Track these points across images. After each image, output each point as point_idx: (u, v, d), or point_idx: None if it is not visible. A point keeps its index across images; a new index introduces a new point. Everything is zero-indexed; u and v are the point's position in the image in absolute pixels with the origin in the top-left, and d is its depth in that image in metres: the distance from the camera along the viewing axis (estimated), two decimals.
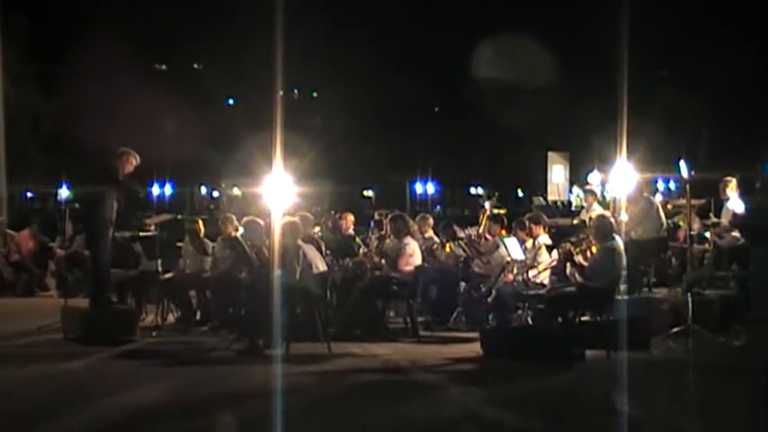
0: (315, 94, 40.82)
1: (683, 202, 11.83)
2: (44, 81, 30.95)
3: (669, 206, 13.41)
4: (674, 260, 13.19)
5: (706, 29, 26.15)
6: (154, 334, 10.52)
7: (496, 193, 18.14)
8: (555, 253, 11.01)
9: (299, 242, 9.99)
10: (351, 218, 13.28)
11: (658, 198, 13.12)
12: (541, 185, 27.66)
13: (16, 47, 28.66)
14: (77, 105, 29.47)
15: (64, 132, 30.54)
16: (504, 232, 11.96)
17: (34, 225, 16.80)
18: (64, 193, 26.89)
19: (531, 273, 10.78)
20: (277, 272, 9.44)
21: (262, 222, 10.80)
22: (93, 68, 29.29)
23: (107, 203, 10.31)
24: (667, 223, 12.12)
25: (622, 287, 9.72)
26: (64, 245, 16.02)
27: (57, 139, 30.83)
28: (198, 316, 11.50)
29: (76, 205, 15.93)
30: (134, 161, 10.63)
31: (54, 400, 7.20)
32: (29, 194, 37.22)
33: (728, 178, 11.74)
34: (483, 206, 14.57)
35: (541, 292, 10.22)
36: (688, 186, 10.83)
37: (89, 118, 28.22)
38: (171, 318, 11.47)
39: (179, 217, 16.31)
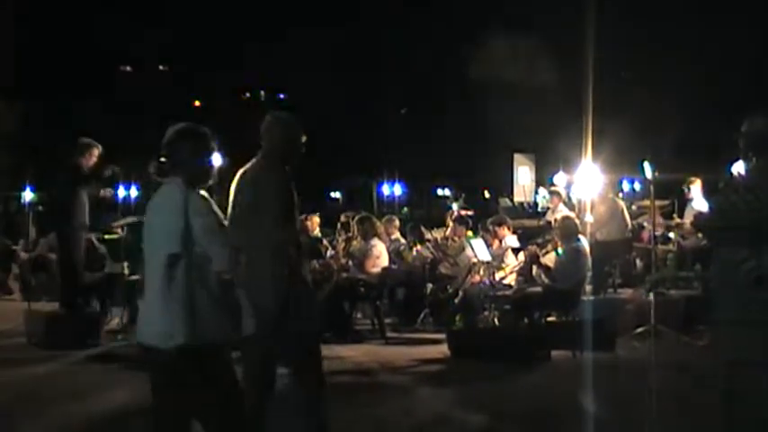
0: (281, 96, 40.69)
1: (647, 203, 11.95)
2: (5, 82, 30.58)
3: (634, 207, 13.55)
4: (638, 261, 13.32)
5: (670, 30, 26.41)
6: (119, 337, 10.44)
7: (463, 195, 18.19)
8: (521, 254, 11.08)
9: None
10: (316, 220, 13.27)
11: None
12: (508, 187, 27.73)
13: None
14: (41, 107, 29.19)
15: (27, 134, 30.22)
16: (470, 233, 12.02)
17: None
18: (27, 195, 26.58)
19: (498, 274, 10.84)
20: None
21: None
22: (58, 69, 29.05)
23: (78, 205, 10.22)
24: (632, 224, 12.23)
25: (588, 288, 9.81)
26: (27, 248, 15.85)
27: (19, 140, 30.47)
28: None
29: (40, 208, 15.78)
30: (96, 152, 10.50)
31: (17, 405, 7.13)
32: None
33: (693, 179, 11.88)
34: (450, 208, 14.64)
35: (508, 293, 10.27)
36: (652, 187, 10.95)
37: (53, 119, 27.96)
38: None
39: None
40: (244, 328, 4.74)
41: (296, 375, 5.19)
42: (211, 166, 4.25)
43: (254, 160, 5.21)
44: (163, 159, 4.18)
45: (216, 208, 4.09)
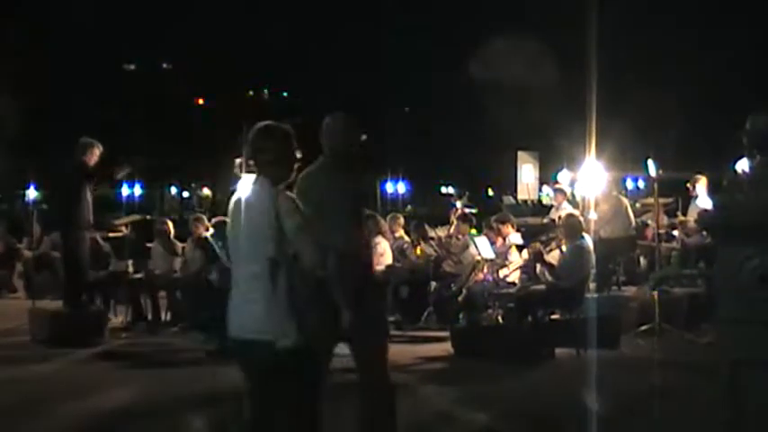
0: (285, 94, 40.72)
1: (651, 200, 11.93)
2: (8, 81, 30.62)
3: (637, 205, 13.53)
4: (642, 259, 13.30)
5: (673, 29, 26.39)
6: (123, 335, 10.46)
7: (467, 193, 18.19)
8: (525, 252, 11.07)
9: None
10: None
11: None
12: (511, 185, 27.74)
13: None
14: (44, 105, 29.22)
15: (30, 132, 30.25)
16: (473, 231, 12.02)
17: (1, 227, 16.62)
18: (31, 194, 26.63)
19: (502, 272, 10.83)
20: None
21: None
22: (61, 68, 29.08)
23: (83, 204, 10.25)
24: (636, 222, 12.22)
25: (592, 285, 9.79)
26: (31, 246, 15.86)
27: (23, 139, 30.51)
28: (168, 317, 11.45)
29: (44, 206, 15.80)
30: (98, 151, 10.53)
31: (22, 403, 7.13)
32: None
33: (697, 176, 11.86)
34: (454, 206, 14.63)
35: (512, 290, 10.27)
36: (656, 185, 10.93)
37: (56, 118, 28.00)
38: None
39: (148, 217, 16.22)
40: (343, 322, 4.76)
41: (364, 373, 5.28)
42: (294, 165, 4.32)
43: (318, 160, 5.26)
44: (248, 158, 4.24)
45: (302, 206, 4.16)
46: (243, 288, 4.20)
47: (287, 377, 4.11)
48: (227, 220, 4.38)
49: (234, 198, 4.30)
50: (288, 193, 4.17)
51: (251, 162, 4.23)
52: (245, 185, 4.24)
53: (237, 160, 4.30)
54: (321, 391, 4.30)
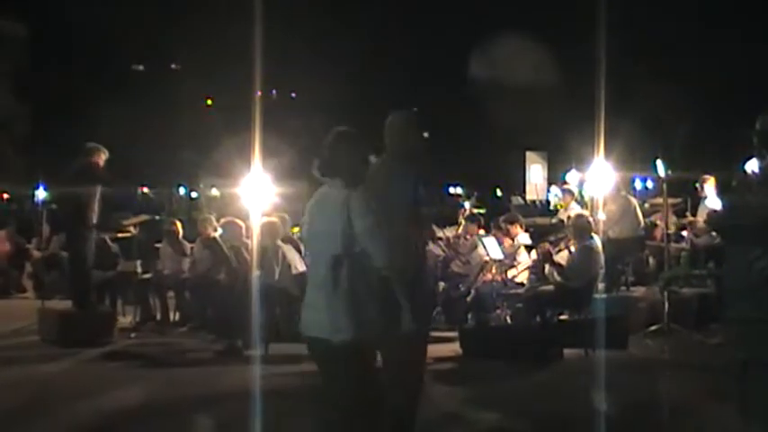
0: (293, 95, 40.72)
1: (659, 200, 11.91)
2: (19, 81, 30.72)
3: (646, 205, 13.50)
4: (651, 259, 13.27)
5: (682, 28, 26.31)
6: (132, 335, 10.48)
7: (476, 193, 18.17)
8: (534, 252, 11.06)
9: (278, 243, 9.97)
10: None
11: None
12: (519, 185, 27.72)
13: None
14: (53, 106, 29.30)
15: (40, 133, 30.35)
16: (482, 231, 12.01)
17: (10, 227, 16.68)
18: (41, 194, 26.69)
19: (510, 272, 10.82)
20: (256, 272, 9.43)
21: (240, 223, 10.78)
22: (69, 69, 29.14)
23: (90, 204, 10.28)
24: (644, 222, 12.19)
25: (600, 286, 9.77)
26: (41, 246, 15.91)
27: (32, 140, 30.60)
28: (176, 317, 11.47)
29: (53, 206, 15.84)
30: (104, 156, 10.59)
31: (31, 402, 7.15)
32: (5, 196, 36.92)
33: (707, 176, 11.82)
34: (462, 206, 14.63)
35: (520, 291, 10.26)
36: (665, 185, 10.91)
37: (65, 119, 28.06)
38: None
39: (157, 218, 16.24)
40: (403, 323, 4.84)
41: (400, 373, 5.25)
42: (366, 168, 4.51)
43: (381, 158, 5.30)
44: (323, 161, 4.43)
45: (375, 206, 4.32)
46: (314, 286, 4.41)
47: (346, 371, 4.33)
48: (307, 219, 4.55)
49: (311, 201, 4.52)
50: (361, 194, 4.31)
51: (326, 165, 4.42)
52: (322, 189, 4.46)
53: (316, 162, 4.40)
54: (380, 384, 4.52)
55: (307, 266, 4.58)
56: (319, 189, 4.46)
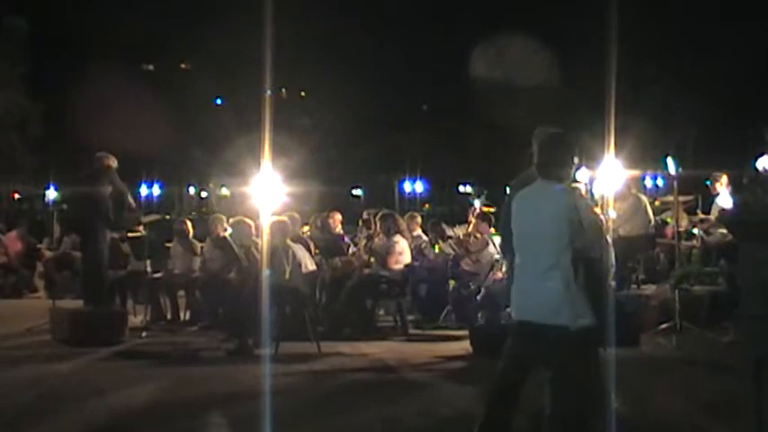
0: (303, 94, 40.75)
1: (670, 198, 11.86)
2: (31, 82, 30.85)
3: (657, 203, 13.45)
4: (662, 257, 13.22)
5: (694, 26, 26.21)
6: (143, 334, 10.50)
7: (485, 191, 18.09)
8: None
9: (288, 242, 9.98)
10: (338, 217, 13.27)
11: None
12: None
13: (6, 48, 28.60)
14: (65, 106, 29.38)
15: (51, 133, 30.46)
16: (492, 230, 11.97)
17: (22, 226, 16.75)
18: (51, 194, 26.78)
19: None
20: (266, 271, 9.43)
21: (250, 222, 10.79)
22: (80, 69, 29.19)
23: (104, 204, 10.36)
24: (655, 220, 12.14)
25: (611, 284, 9.72)
26: (52, 246, 15.98)
27: (44, 140, 30.73)
28: (187, 316, 11.49)
29: (64, 206, 15.92)
30: (114, 163, 10.78)
31: (43, 401, 7.17)
32: (16, 195, 37.11)
33: (719, 174, 11.76)
34: (472, 204, 14.58)
35: None
36: (675, 183, 10.86)
37: (77, 119, 28.14)
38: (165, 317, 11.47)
39: (167, 217, 16.29)
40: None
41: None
42: (573, 168, 4.86)
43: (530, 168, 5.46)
44: (538, 161, 4.80)
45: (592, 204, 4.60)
46: (534, 276, 4.71)
47: (578, 354, 4.67)
48: (516, 213, 4.87)
49: (519, 196, 4.88)
50: (582, 192, 4.52)
51: (543, 165, 4.77)
52: (535, 186, 4.80)
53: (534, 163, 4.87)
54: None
55: (516, 256, 4.96)
56: (530, 186, 4.80)
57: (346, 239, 12.94)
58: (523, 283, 4.83)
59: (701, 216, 12.00)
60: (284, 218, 10.40)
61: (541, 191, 4.74)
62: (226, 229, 11.33)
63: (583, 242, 4.58)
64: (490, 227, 12.12)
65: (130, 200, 11.05)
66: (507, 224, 5.69)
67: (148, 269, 11.72)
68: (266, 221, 9.94)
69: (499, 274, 10.79)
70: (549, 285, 4.60)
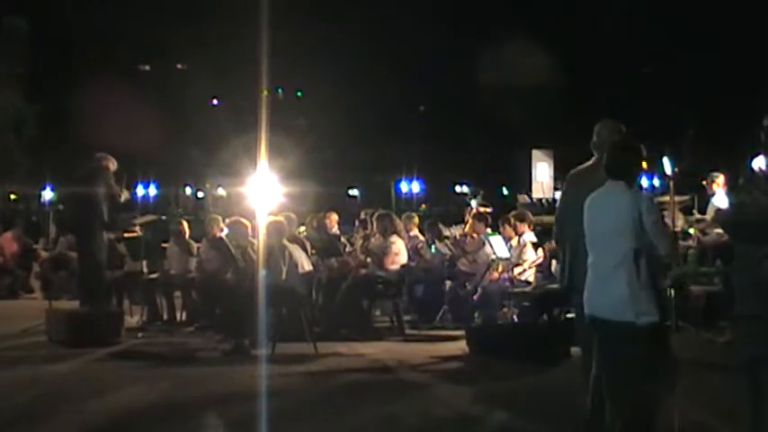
0: (300, 94, 40.74)
1: (666, 198, 11.87)
2: (27, 83, 30.78)
3: None
4: None
5: (690, 25, 26.27)
6: (139, 335, 10.50)
7: (482, 192, 18.11)
8: (540, 250, 11.04)
9: (285, 242, 9.98)
10: (335, 217, 13.26)
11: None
12: (526, 183, 27.67)
13: (6, 48, 28.55)
14: (60, 107, 29.35)
15: (47, 134, 30.39)
16: (489, 230, 11.99)
17: (18, 227, 16.72)
18: (47, 195, 26.76)
19: (517, 270, 10.80)
20: (262, 272, 9.43)
21: (247, 223, 10.79)
22: (76, 70, 29.18)
23: (100, 204, 10.35)
24: None
25: None
26: (48, 247, 15.96)
27: (40, 141, 30.66)
28: (183, 317, 11.48)
29: (60, 207, 15.91)
30: (113, 164, 10.77)
31: (39, 402, 7.17)
32: (12, 196, 37.06)
33: (716, 174, 11.78)
34: (469, 204, 14.60)
35: (527, 289, 10.24)
36: (671, 183, 10.87)
37: (73, 119, 28.11)
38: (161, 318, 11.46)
39: (163, 218, 16.27)
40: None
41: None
42: (639, 173, 5.20)
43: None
44: (607, 167, 5.13)
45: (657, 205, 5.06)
46: (602, 274, 5.00)
47: (644, 349, 4.84)
48: (588, 214, 5.18)
49: (590, 199, 5.20)
50: (646, 194, 5.01)
51: (612, 169, 5.10)
52: (604, 188, 5.12)
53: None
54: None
55: (587, 255, 5.23)
56: (600, 189, 5.13)
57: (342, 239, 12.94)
58: (594, 280, 5.10)
59: (698, 216, 12.02)
60: (281, 218, 10.39)
61: (610, 192, 5.08)
62: (222, 230, 11.33)
63: (647, 241, 4.84)
64: (486, 227, 12.13)
65: (120, 200, 10.98)
66: (564, 212, 6.13)
67: (145, 269, 11.71)
68: (263, 222, 9.93)
69: (495, 274, 10.80)
70: (615, 283, 4.86)
